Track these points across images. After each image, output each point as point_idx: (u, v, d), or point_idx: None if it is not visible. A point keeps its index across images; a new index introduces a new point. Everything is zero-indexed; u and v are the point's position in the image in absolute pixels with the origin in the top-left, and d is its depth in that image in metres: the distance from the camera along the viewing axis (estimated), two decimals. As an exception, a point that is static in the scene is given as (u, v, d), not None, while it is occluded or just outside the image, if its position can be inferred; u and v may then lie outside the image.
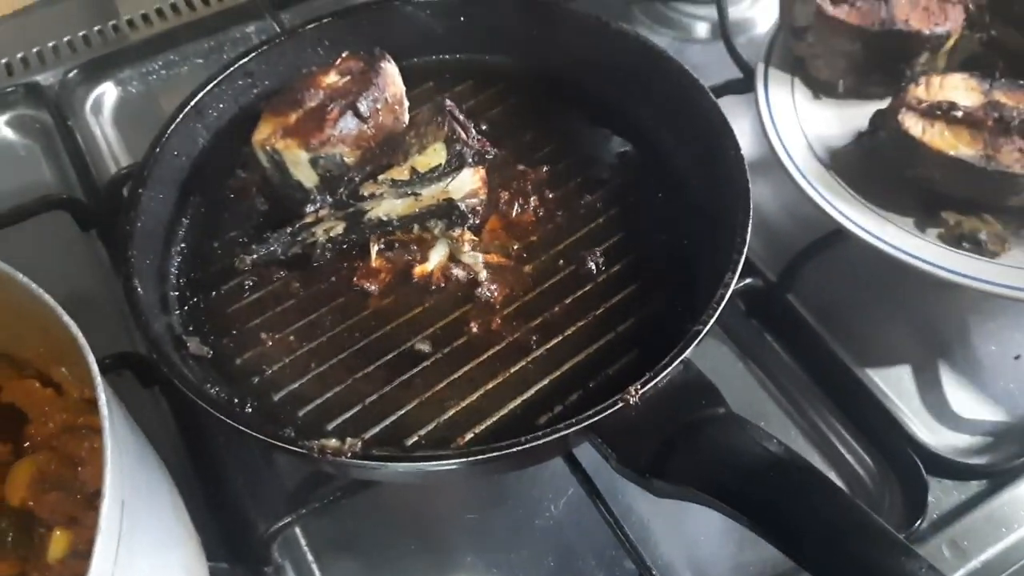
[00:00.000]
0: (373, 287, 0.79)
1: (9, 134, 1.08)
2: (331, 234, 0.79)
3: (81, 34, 1.15)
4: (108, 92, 1.12)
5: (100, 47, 1.15)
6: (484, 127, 0.90)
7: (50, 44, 1.14)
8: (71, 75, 1.09)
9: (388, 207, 0.78)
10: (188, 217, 0.85)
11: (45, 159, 1.06)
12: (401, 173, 0.76)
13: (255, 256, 0.79)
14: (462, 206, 0.78)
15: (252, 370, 0.74)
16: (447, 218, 0.79)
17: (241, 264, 0.80)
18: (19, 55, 1.13)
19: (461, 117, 0.76)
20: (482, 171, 0.79)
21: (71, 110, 1.07)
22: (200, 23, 1.17)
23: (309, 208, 0.78)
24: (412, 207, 0.78)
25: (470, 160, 0.75)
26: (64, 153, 1.02)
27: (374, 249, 0.80)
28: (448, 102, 0.76)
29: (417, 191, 0.76)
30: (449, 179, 0.76)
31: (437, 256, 0.81)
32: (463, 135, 0.75)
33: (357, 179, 0.77)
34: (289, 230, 0.79)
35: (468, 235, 0.81)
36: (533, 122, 0.91)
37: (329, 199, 0.78)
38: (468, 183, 0.77)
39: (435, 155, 0.75)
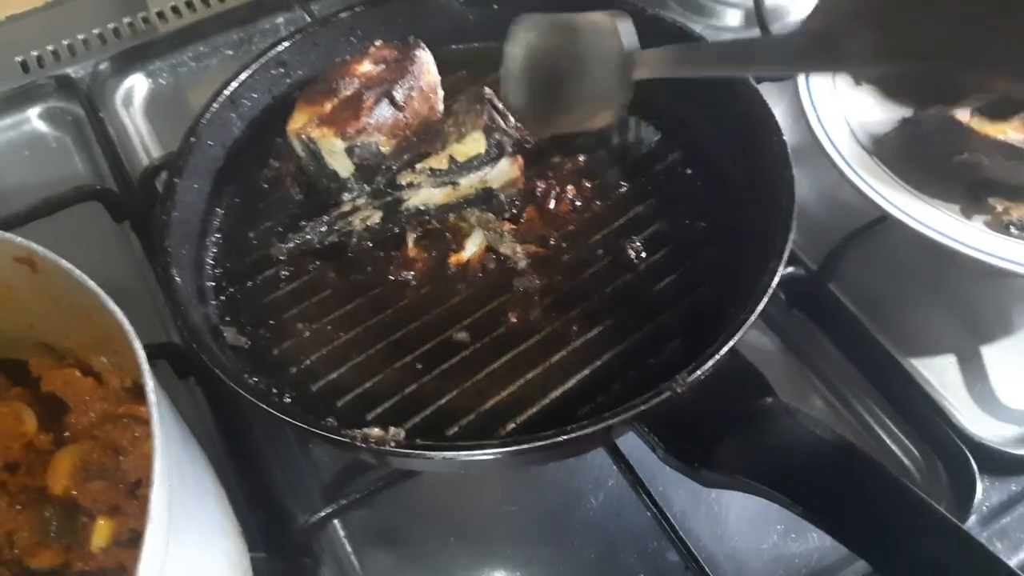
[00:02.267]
0: (410, 276, 0.78)
1: (41, 126, 1.08)
2: (368, 223, 0.79)
3: (111, 26, 1.15)
4: (138, 84, 1.12)
5: (130, 39, 1.14)
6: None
7: (80, 37, 1.14)
8: (102, 67, 1.09)
9: (426, 196, 0.77)
10: (223, 207, 0.85)
11: (77, 151, 1.06)
12: (439, 162, 0.75)
13: (291, 245, 0.79)
14: (501, 195, 0.77)
15: (290, 360, 0.74)
16: (484, 206, 0.78)
17: (277, 253, 0.79)
18: (50, 48, 1.13)
19: (500, 106, 0.74)
20: (520, 160, 0.78)
21: (102, 102, 1.07)
22: (229, 14, 1.16)
23: (346, 197, 0.78)
24: (450, 196, 0.77)
25: (509, 149, 0.74)
26: (96, 145, 1.02)
27: (411, 238, 0.80)
28: (487, 90, 0.75)
29: (456, 180, 0.76)
30: (488, 168, 0.75)
31: (473, 245, 0.80)
32: (502, 124, 0.73)
33: (395, 168, 0.76)
34: (325, 219, 0.78)
35: (506, 224, 0.80)
36: (568, 111, 0.90)
37: (367, 188, 0.77)
38: (507, 172, 0.76)
39: (474, 144, 0.74)
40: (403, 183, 0.76)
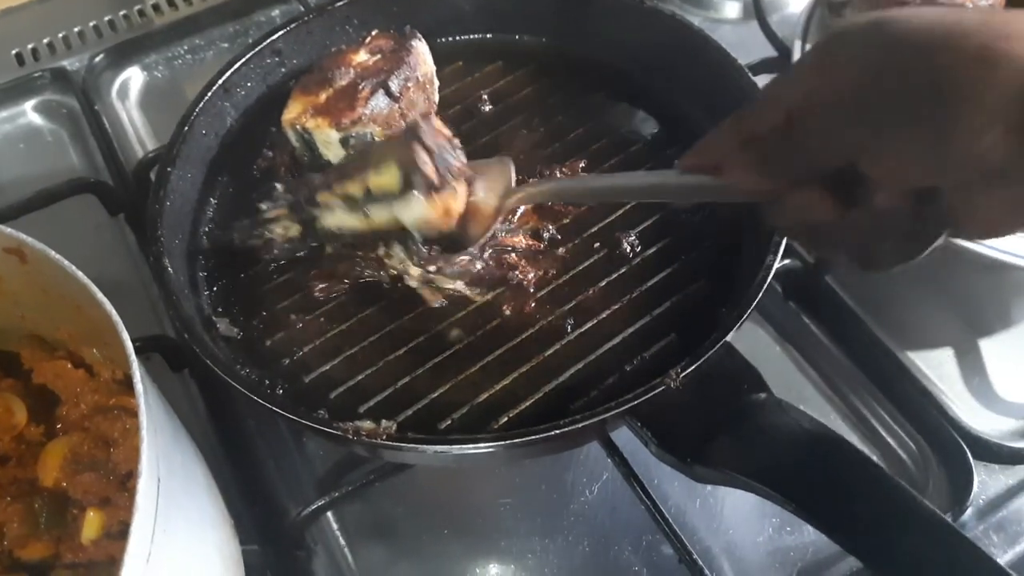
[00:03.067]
0: (321, 294, 0.77)
1: (36, 119, 1.08)
2: (288, 234, 0.75)
3: (107, 19, 1.15)
4: (134, 77, 1.11)
5: (125, 32, 1.14)
6: (513, 107, 0.89)
7: (76, 29, 1.14)
8: (97, 60, 1.09)
9: (339, 219, 0.73)
10: (216, 197, 0.84)
11: (72, 144, 1.05)
12: (355, 188, 0.71)
13: (216, 239, 0.79)
14: (416, 235, 0.71)
15: (282, 352, 0.73)
16: (404, 243, 0.74)
17: (208, 240, 0.80)
18: (45, 40, 1.12)
19: (429, 141, 0.68)
20: (443, 199, 0.68)
21: (97, 95, 1.07)
22: (225, 7, 1.16)
23: (266, 205, 0.75)
24: (363, 224, 0.72)
25: (418, 191, 0.67)
26: (91, 138, 1.02)
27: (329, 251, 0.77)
28: (423, 123, 0.70)
29: (365, 210, 0.71)
30: (397, 204, 0.69)
31: (412, 280, 0.77)
32: (424, 160, 0.67)
33: (318, 184, 0.73)
34: (248, 221, 0.76)
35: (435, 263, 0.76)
36: (565, 103, 0.90)
37: (289, 198, 0.75)
38: (420, 213, 0.68)
39: (389, 176, 0.69)
40: (319, 201, 0.72)
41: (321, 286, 0.77)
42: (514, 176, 0.70)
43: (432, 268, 0.76)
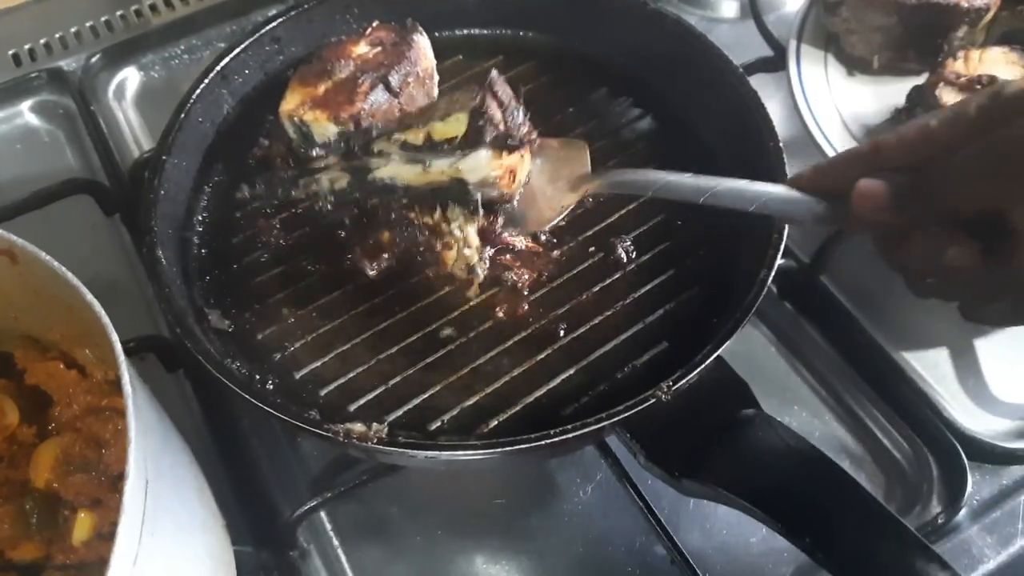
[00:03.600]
0: (372, 269, 0.75)
1: (33, 119, 1.08)
2: (335, 186, 0.73)
3: (103, 19, 1.15)
4: (131, 77, 1.11)
5: (122, 32, 1.14)
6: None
7: (72, 29, 1.14)
8: (94, 60, 1.09)
9: (395, 170, 0.71)
10: (211, 185, 0.83)
11: (68, 144, 1.05)
12: (416, 136, 0.69)
13: (254, 190, 0.76)
14: (476, 194, 0.69)
15: (274, 346, 0.73)
16: (462, 203, 0.71)
17: (240, 195, 0.77)
18: (42, 41, 1.12)
19: (502, 93, 0.67)
20: (510, 159, 0.68)
21: (94, 95, 1.07)
22: (222, 7, 1.16)
23: (317, 151, 0.73)
24: (420, 177, 0.70)
25: (487, 141, 0.66)
26: (87, 138, 1.02)
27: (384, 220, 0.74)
28: (495, 73, 0.68)
29: (425, 159, 0.69)
30: (460, 155, 0.67)
31: (471, 250, 0.74)
32: (494, 113, 0.67)
33: (374, 133, 0.71)
34: (291, 173, 0.74)
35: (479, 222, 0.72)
36: (564, 101, 0.89)
37: (341, 147, 0.73)
38: (483, 167, 0.68)
39: (456, 125, 0.67)
40: (375, 150, 0.71)
41: (370, 266, 0.74)
42: (589, 162, 0.68)
43: (498, 230, 0.73)
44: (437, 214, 0.73)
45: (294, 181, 0.74)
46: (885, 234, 0.58)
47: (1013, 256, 0.50)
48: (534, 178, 0.73)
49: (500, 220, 0.73)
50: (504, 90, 0.68)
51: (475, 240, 0.72)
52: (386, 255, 0.75)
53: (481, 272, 0.73)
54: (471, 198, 0.69)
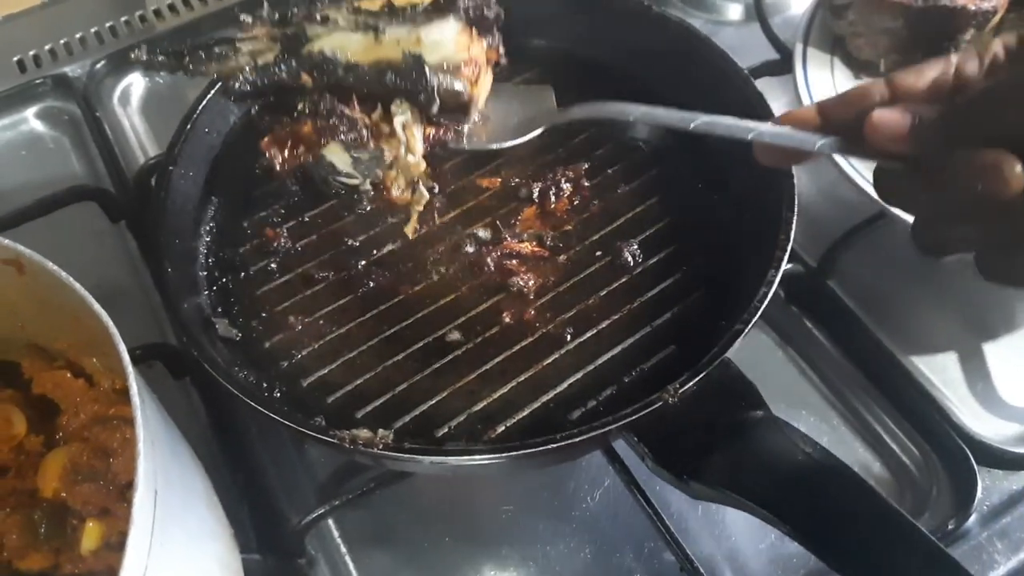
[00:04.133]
0: (281, 165, 0.63)
1: (38, 126, 1.08)
2: (257, 60, 0.60)
3: (108, 25, 1.15)
4: (135, 83, 1.11)
5: (127, 38, 1.14)
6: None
7: (77, 35, 1.14)
8: (98, 66, 1.09)
9: (339, 41, 0.59)
10: (218, 195, 0.83)
11: (73, 151, 1.05)
12: (372, 2, 0.59)
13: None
14: (434, 78, 0.57)
15: (281, 354, 0.73)
16: (412, 93, 0.59)
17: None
18: (47, 47, 1.12)
19: None
20: (478, 49, 0.58)
21: (99, 101, 1.07)
22: (226, 12, 1.15)
23: (248, 17, 0.62)
24: (369, 52, 0.58)
25: (461, 10, 0.56)
26: (92, 144, 1.02)
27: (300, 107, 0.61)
28: None
29: (380, 25, 0.58)
30: (424, 24, 0.57)
31: (414, 158, 0.62)
32: None
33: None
34: (208, 40, 0.63)
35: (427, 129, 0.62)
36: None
37: (275, 15, 0.61)
38: (449, 44, 0.57)
39: None
40: (318, 16, 0.59)
41: (275, 158, 0.63)
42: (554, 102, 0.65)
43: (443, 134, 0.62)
44: (377, 113, 0.61)
45: (207, 47, 0.62)
46: (909, 171, 0.55)
47: None
48: (493, 115, 0.65)
49: (451, 134, 0.63)
50: None
51: (419, 146, 0.62)
52: (302, 149, 0.64)
53: (425, 192, 0.64)
54: (426, 83, 0.58)
